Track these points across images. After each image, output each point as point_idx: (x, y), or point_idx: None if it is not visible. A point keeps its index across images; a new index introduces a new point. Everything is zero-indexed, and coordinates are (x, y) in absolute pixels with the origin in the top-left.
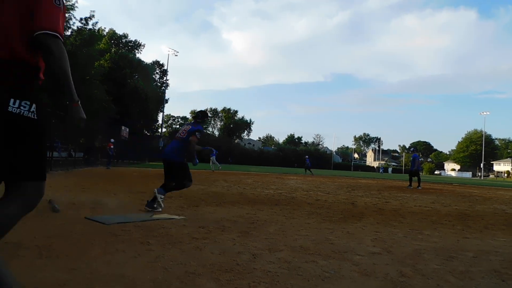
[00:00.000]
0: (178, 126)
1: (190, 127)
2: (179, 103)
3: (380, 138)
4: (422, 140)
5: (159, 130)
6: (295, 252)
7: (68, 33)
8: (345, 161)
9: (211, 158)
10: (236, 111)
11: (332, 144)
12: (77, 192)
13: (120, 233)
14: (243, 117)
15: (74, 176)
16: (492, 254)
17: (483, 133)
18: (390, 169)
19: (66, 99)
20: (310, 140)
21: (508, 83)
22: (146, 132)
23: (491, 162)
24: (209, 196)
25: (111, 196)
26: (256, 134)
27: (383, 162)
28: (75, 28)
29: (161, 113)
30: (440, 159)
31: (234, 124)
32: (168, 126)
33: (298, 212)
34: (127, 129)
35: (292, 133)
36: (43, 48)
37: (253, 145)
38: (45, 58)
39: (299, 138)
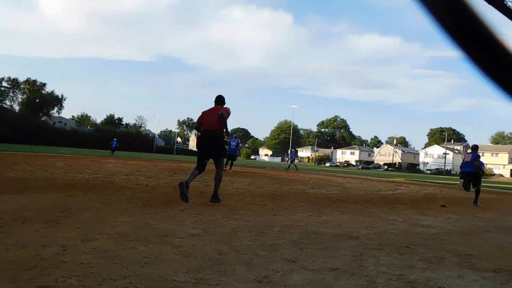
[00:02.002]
0: None
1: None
2: None
3: None
4: (241, 127)
5: None
6: (113, 240)
7: None
8: (168, 144)
9: None
10: (45, 84)
11: (155, 127)
12: None
13: None
14: (53, 91)
15: None
16: (293, 227)
17: (291, 123)
18: None
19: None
20: (132, 121)
21: (312, 82)
22: None
23: (297, 149)
24: (4, 181)
25: None
26: (69, 112)
27: None
28: None
29: None
30: (256, 145)
31: (41, 99)
32: None
33: (116, 198)
34: None
35: (112, 113)
36: (222, 119)
37: (65, 124)
38: (223, 123)
39: (120, 119)
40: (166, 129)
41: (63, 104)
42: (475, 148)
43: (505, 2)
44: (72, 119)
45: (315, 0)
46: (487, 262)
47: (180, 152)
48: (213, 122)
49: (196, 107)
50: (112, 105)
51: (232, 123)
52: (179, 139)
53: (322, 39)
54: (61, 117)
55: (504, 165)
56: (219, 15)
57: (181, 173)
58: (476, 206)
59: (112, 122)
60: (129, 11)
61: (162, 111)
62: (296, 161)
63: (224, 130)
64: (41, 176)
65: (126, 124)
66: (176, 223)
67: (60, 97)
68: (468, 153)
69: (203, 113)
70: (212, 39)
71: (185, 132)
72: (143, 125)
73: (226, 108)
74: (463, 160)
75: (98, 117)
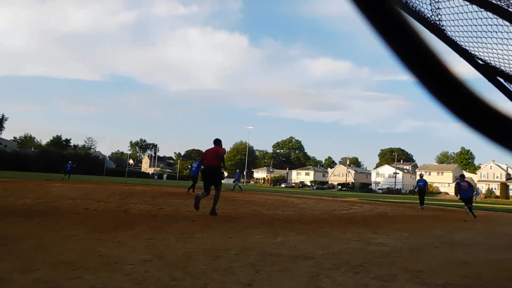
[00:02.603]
0: None
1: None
2: None
3: (156, 145)
4: (196, 148)
5: None
6: (57, 269)
7: None
8: (120, 167)
9: None
10: None
11: (106, 148)
12: None
13: None
14: None
15: None
16: (250, 250)
17: (247, 144)
18: (165, 176)
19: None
20: (81, 143)
21: (268, 104)
22: None
23: (252, 170)
24: None
25: None
26: (10, 133)
27: (159, 168)
28: None
29: None
30: None
31: None
32: None
33: (62, 224)
34: None
35: (59, 135)
36: (222, 158)
37: (6, 146)
38: (222, 160)
39: (68, 141)
40: (118, 150)
41: (4, 125)
42: (463, 176)
43: (445, 32)
44: (14, 140)
45: (270, 23)
46: (436, 277)
47: (132, 174)
48: (214, 160)
49: (149, 128)
50: (60, 126)
51: (186, 145)
52: (131, 161)
53: (277, 62)
54: (1, 138)
55: (449, 183)
56: (174, 35)
57: (133, 197)
58: (475, 218)
59: (59, 143)
60: (79, 30)
61: (114, 132)
62: (252, 182)
63: (222, 164)
64: None
65: (75, 146)
66: (127, 249)
67: (0, 117)
68: (464, 181)
69: (207, 152)
70: (166, 59)
71: (138, 154)
72: (92, 147)
73: (223, 149)
74: (461, 189)
75: (44, 139)
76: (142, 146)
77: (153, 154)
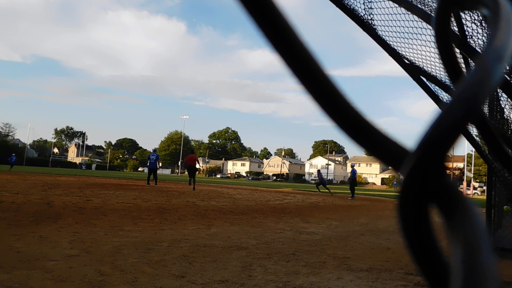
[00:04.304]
0: None
1: None
2: None
3: (85, 133)
4: (128, 137)
5: None
6: None
7: None
8: (42, 156)
9: None
10: None
11: (26, 136)
12: None
13: None
14: None
15: None
16: (183, 241)
17: (182, 134)
18: (94, 166)
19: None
20: None
21: (204, 93)
22: None
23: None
24: None
25: None
26: None
27: (87, 158)
28: None
29: None
30: (143, 156)
31: None
32: None
33: None
34: None
35: None
36: (197, 161)
37: None
38: (197, 162)
39: None
40: (41, 138)
41: None
42: (320, 171)
43: (376, 31)
44: None
45: (209, 11)
46: (361, 263)
47: (57, 164)
48: (193, 162)
49: (77, 115)
50: None
51: (117, 134)
52: (56, 150)
53: (215, 51)
54: None
55: (376, 174)
56: (106, 17)
57: (57, 188)
58: (332, 195)
59: None
60: None
61: (36, 119)
62: (186, 172)
63: (197, 164)
64: None
65: None
66: (49, 244)
67: None
68: (321, 174)
69: (187, 158)
70: (97, 43)
71: (64, 142)
72: (10, 134)
73: (196, 156)
74: (322, 177)
75: None
76: (68, 134)
77: (81, 143)
